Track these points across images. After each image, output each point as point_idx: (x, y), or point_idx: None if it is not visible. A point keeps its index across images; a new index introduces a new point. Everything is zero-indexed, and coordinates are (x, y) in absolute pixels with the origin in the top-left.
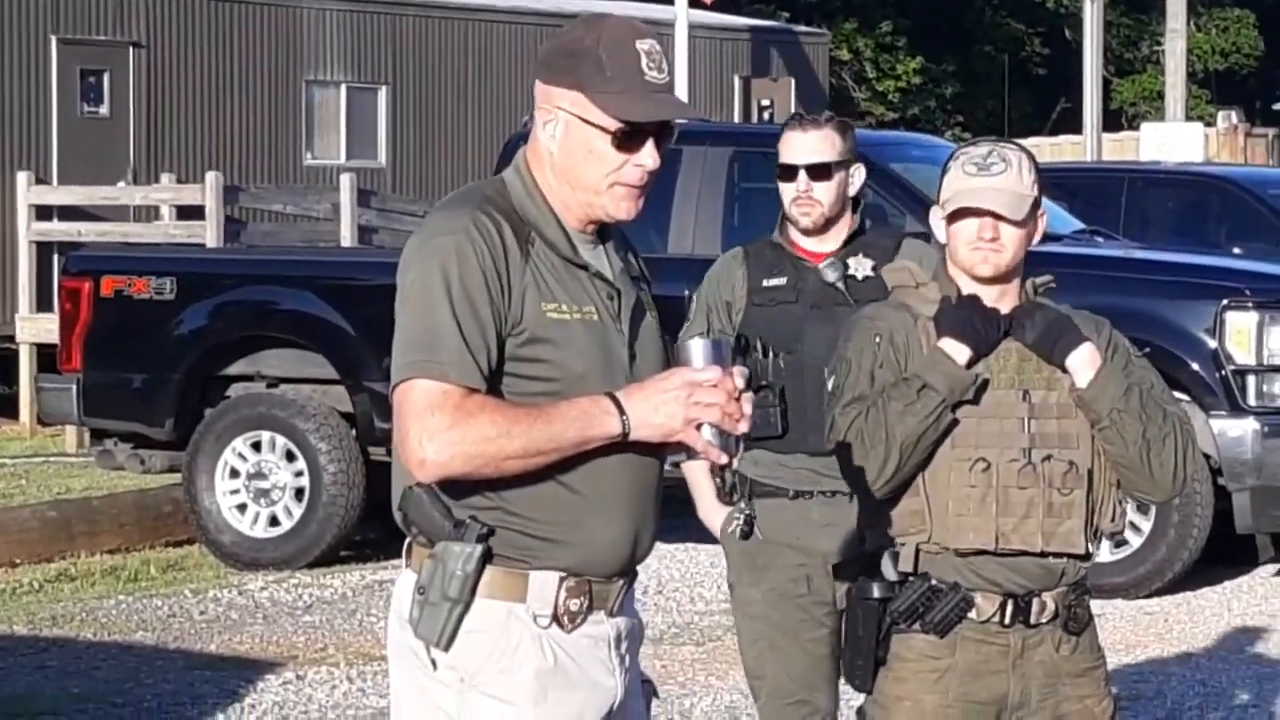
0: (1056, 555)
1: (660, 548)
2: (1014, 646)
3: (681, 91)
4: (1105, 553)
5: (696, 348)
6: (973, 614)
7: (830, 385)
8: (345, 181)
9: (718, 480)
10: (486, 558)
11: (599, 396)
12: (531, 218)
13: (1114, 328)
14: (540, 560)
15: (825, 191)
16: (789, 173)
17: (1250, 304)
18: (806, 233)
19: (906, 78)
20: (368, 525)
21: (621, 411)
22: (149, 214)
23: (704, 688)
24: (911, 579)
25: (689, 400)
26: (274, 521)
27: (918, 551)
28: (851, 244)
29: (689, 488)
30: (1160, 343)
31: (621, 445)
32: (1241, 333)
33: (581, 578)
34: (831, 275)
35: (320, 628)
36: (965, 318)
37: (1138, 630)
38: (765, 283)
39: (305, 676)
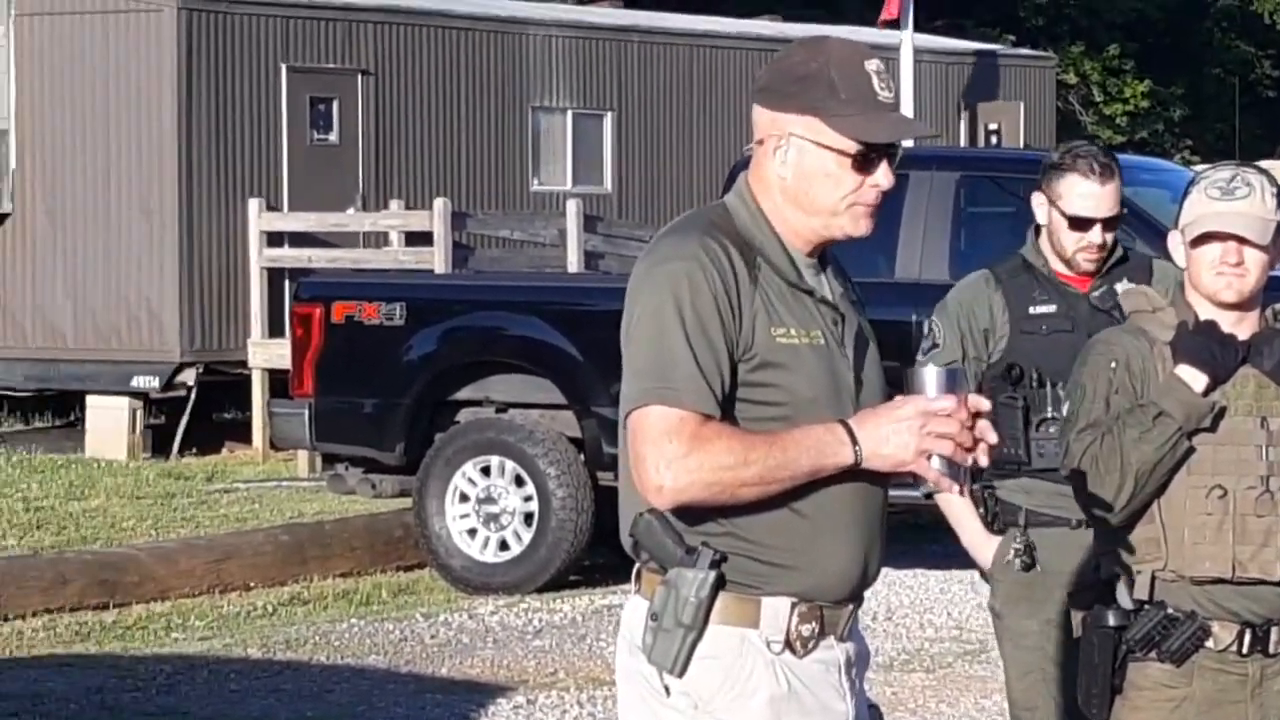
0: None
1: (889, 574)
2: (1252, 676)
3: (907, 114)
4: None
5: (930, 376)
6: (1210, 643)
7: (1065, 410)
8: (571, 207)
9: (981, 510)
10: (719, 584)
11: (833, 425)
12: (757, 243)
13: None
14: (772, 586)
15: (1110, 237)
16: (1083, 225)
17: None
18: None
19: (1134, 101)
20: (596, 550)
21: (854, 440)
22: (378, 240)
23: (935, 715)
24: (1147, 607)
25: (922, 431)
26: (503, 546)
27: (1153, 579)
28: (1115, 269)
29: (947, 517)
30: None
31: (848, 470)
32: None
33: (813, 603)
34: (1107, 302)
35: (550, 652)
36: (1203, 344)
37: None
38: (1032, 310)
39: (535, 701)
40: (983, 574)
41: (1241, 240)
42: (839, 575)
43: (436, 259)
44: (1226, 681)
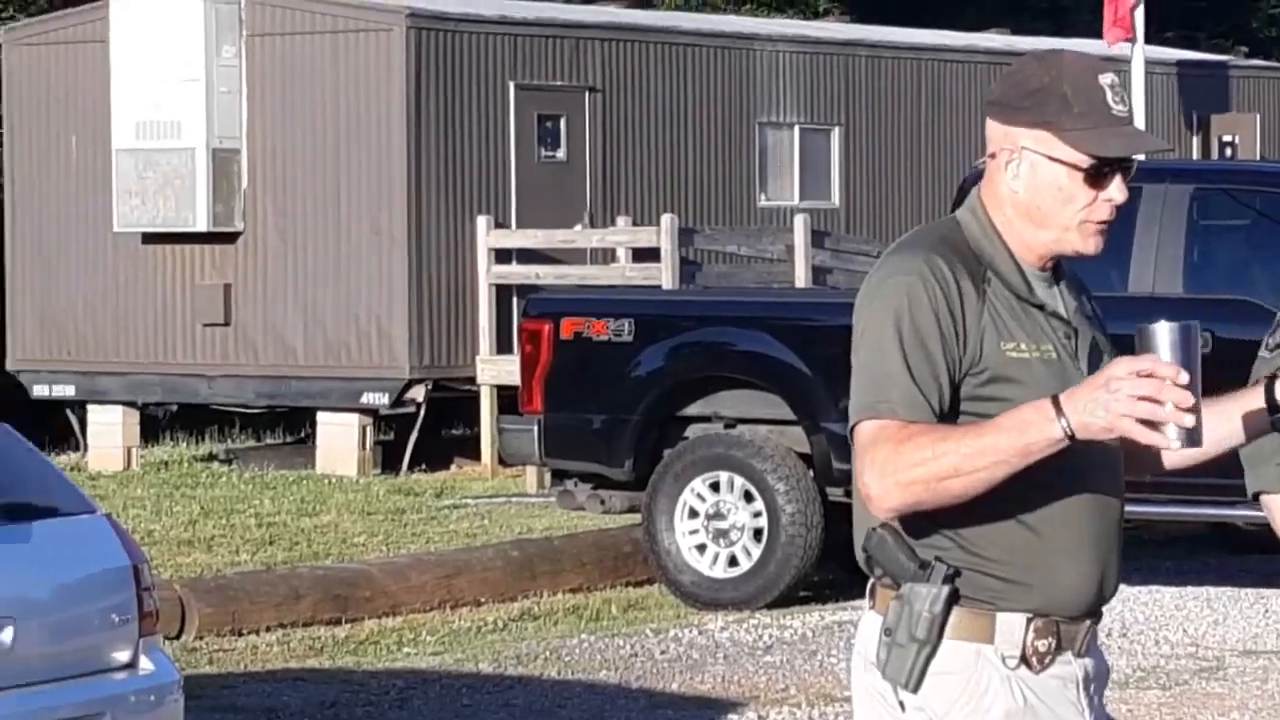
0: None
1: (1124, 590)
2: None
3: (1140, 128)
4: None
5: (1157, 333)
6: None
7: None
8: (799, 222)
9: None
10: (953, 599)
11: (1041, 401)
12: (987, 257)
13: None
14: (1006, 602)
15: None
16: None
17: None
18: None
19: None
20: (826, 566)
21: (1060, 413)
22: (605, 256)
23: None
24: None
25: (1118, 393)
26: (733, 562)
27: None
28: None
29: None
30: None
31: (1082, 483)
32: None
33: (1049, 618)
34: None
35: (781, 668)
36: None
37: None
38: None
39: (767, 717)
40: None
41: None
42: (1074, 591)
43: (664, 274)
44: None
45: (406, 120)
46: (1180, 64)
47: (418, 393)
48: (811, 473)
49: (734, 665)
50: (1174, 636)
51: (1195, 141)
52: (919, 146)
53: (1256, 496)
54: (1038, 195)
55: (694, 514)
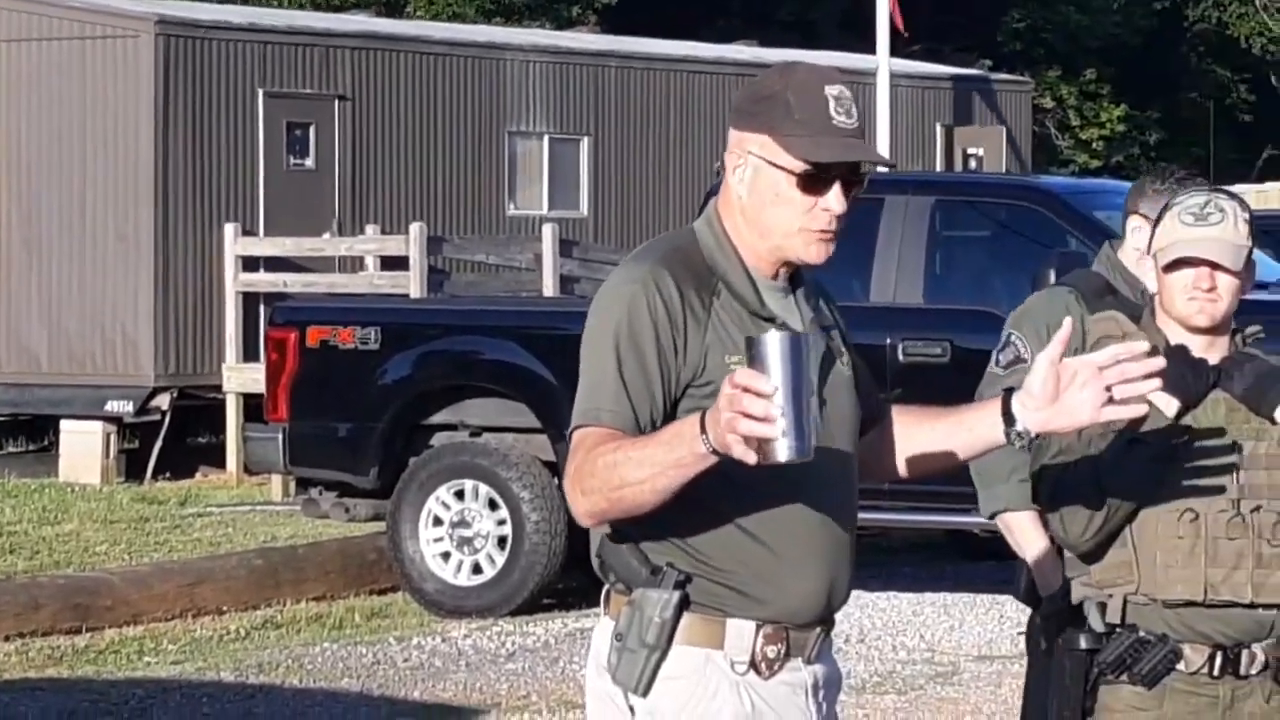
0: (1267, 606)
1: (861, 596)
2: (1223, 698)
3: (884, 139)
4: None
5: (767, 346)
6: (1181, 665)
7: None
8: (547, 232)
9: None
10: (684, 605)
11: (695, 416)
12: (720, 269)
13: None
14: (737, 609)
15: None
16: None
17: None
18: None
19: (1110, 125)
20: (570, 573)
21: (704, 429)
22: (354, 265)
23: None
24: (1119, 630)
25: (722, 408)
26: (477, 569)
27: (1125, 603)
28: None
29: (1010, 536)
30: None
31: (808, 494)
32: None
33: (779, 625)
34: None
35: (523, 675)
36: (1174, 369)
37: None
38: None
39: None
40: (1027, 599)
41: (1214, 266)
42: (803, 601)
43: (412, 283)
44: (1198, 704)
45: (154, 127)
46: (926, 77)
47: (163, 401)
48: (556, 480)
49: (476, 673)
50: (910, 642)
51: (939, 153)
52: (667, 157)
53: (993, 517)
54: (758, 199)
55: (439, 522)
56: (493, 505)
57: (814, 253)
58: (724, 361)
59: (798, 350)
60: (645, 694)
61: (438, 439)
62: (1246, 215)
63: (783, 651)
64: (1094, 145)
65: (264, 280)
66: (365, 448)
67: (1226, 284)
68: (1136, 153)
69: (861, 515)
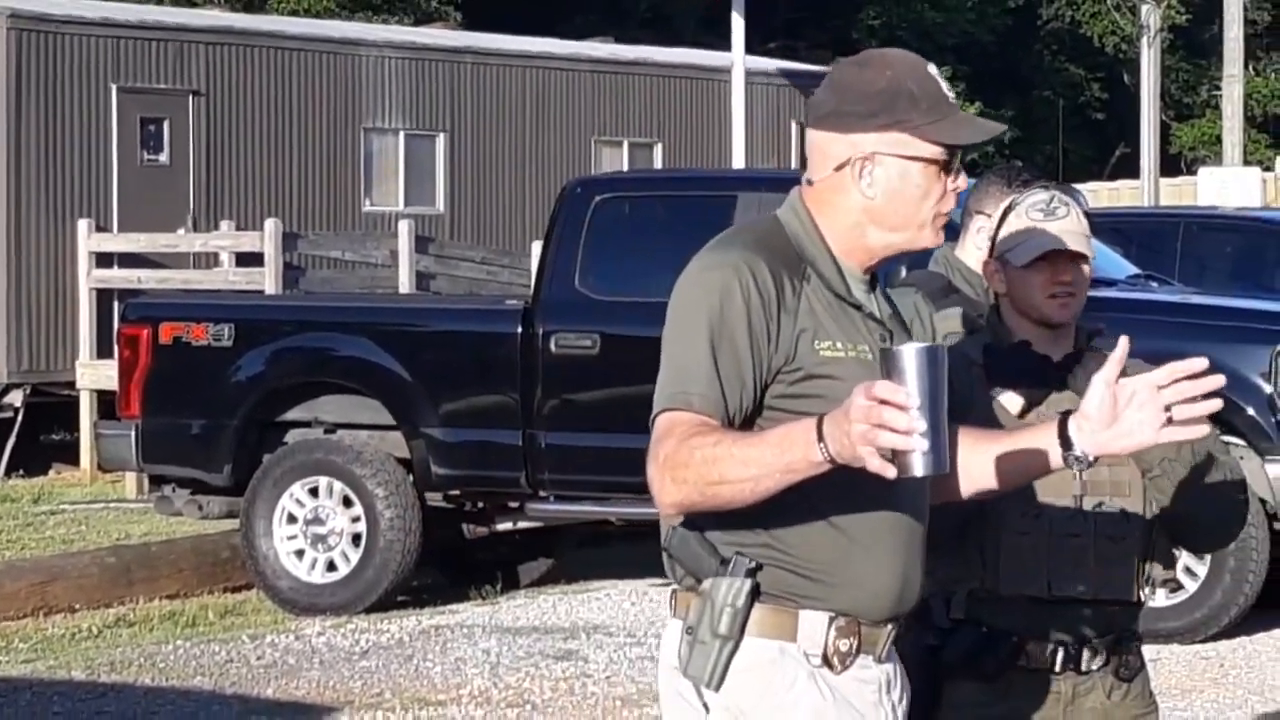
0: (1108, 602)
1: None
2: (1065, 694)
3: (739, 137)
4: (1161, 598)
5: (903, 357)
6: (1023, 661)
7: None
8: (403, 228)
9: None
10: (755, 593)
11: (809, 420)
12: (809, 255)
13: None
14: (809, 600)
15: None
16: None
17: None
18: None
19: None
20: (424, 570)
21: (821, 436)
22: (208, 261)
23: None
24: (963, 626)
25: (853, 419)
26: (331, 567)
27: (969, 598)
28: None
29: None
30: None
31: (891, 491)
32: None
33: (851, 618)
34: None
35: (376, 673)
36: (1018, 366)
37: (1194, 675)
38: None
39: None
40: None
41: (1073, 257)
42: (877, 595)
43: (267, 280)
44: (1040, 699)
45: (6, 122)
46: (783, 74)
47: (15, 398)
48: (411, 478)
49: (330, 670)
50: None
51: (795, 151)
52: (524, 153)
53: None
54: (896, 198)
55: (293, 519)
56: (347, 502)
57: (941, 237)
58: (814, 348)
59: (935, 362)
60: (719, 688)
61: (292, 436)
62: (1084, 209)
63: (855, 646)
64: None
65: (118, 276)
66: (219, 445)
67: (1082, 276)
68: (991, 150)
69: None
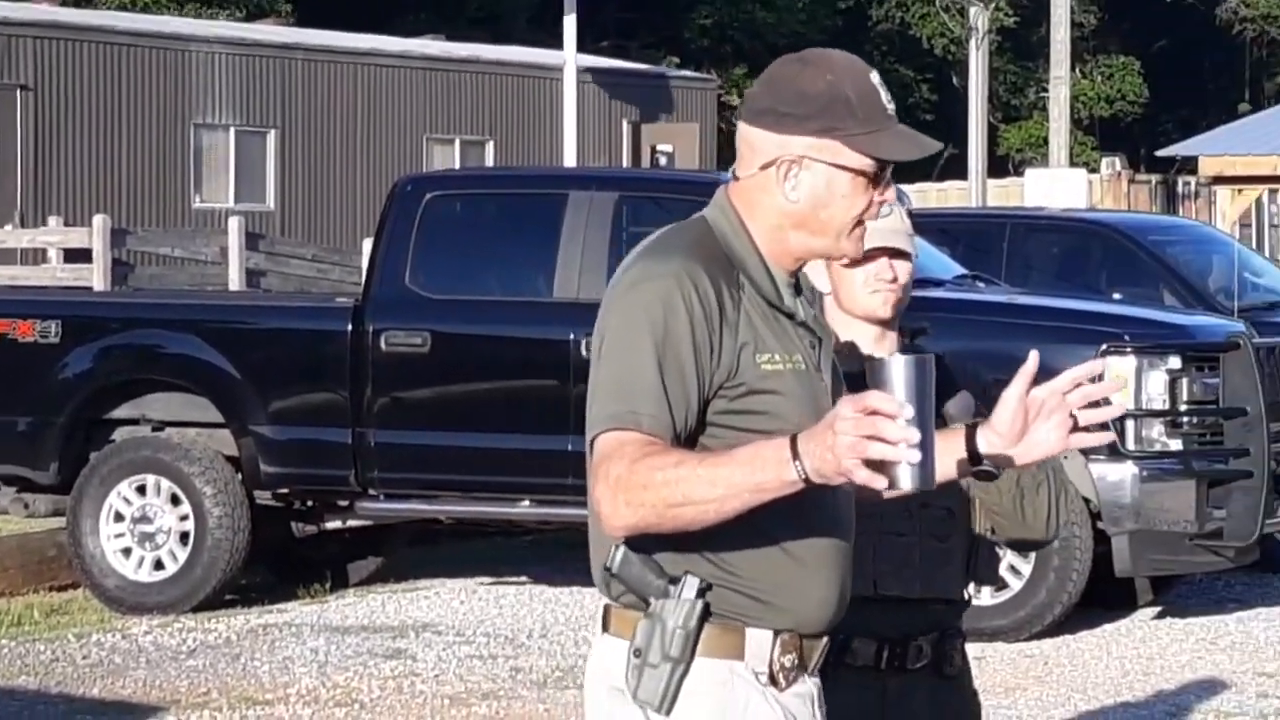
0: (933, 601)
1: (546, 591)
2: (889, 691)
3: (570, 135)
4: (986, 596)
5: (893, 368)
6: (849, 658)
7: None
8: (233, 225)
9: None
10: (706, 614)
11: (781, 439)
12: (738, 259)
13: (995, 372)
14: (756, 618)
15: None
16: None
17: (1129, 349)
18: None
19: None
20: (252, 569)
21: (796, 455)
22: (36, 257)
23: None
24: None
25: (844, 432)
26: (159, 565)
27: None
28: None
29: None
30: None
31: (828, 502)
32: (1120, 378)
33: (793, 634)
34: None
35: (204, 672)
36: (844, 366)
37: (1018, 673)
38: None
39: None
40: None
41: (895, 254)
42: (818, 608)
43: (95, 276)
44: (863, 695)
45: None
46: (613, 73)
47: None
48: (240, 476)
49: (156, 669)
50: (593, 637)
51: (626, 150)
52: (355, 150)
53: None
54: (819, 204)
55: (120, 517)
56: (175, 501)
57: (860, 248)
58: (755, 362)
59: (923, 374)
60: (669, 711)
61: (119, 434)
62: (908, 208)
63: (796, 662)
64: None
65: None
66: (45, 442)
67: (905, 271)
68: None
69: (546, 511)
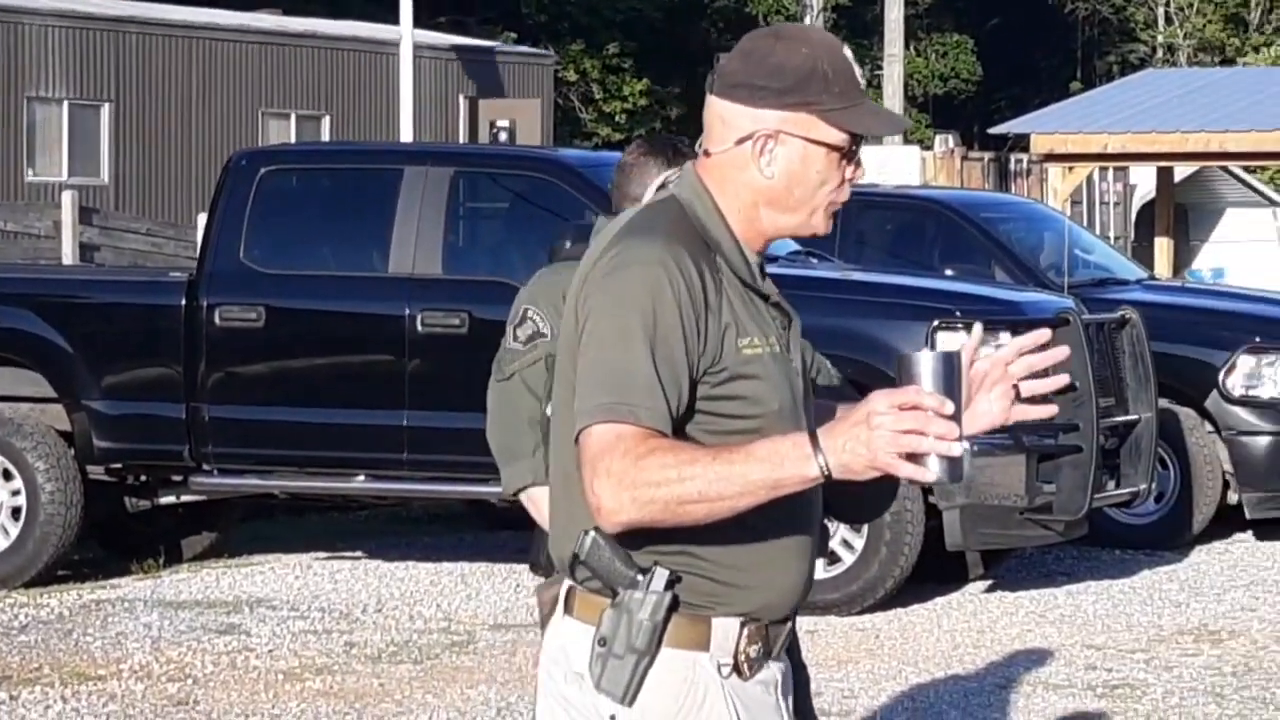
0: None
1: (380, 566)
2: None
3: (407, 111)
4: (819, 570)
5: (922, 361)
6: None
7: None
8: (67, 199)
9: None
10: (674, 607)
11: (799, 435)
12: (714, 240)
13: (827, 348)
14: (723, 606)
15: None
16: None
17: (960, 325)
18: None
19: (633, 99)
20: (85, 544)
21: (818, 450)
22: None
23: (421, 705)
24: None
25: (875, 427)
26: None
27: None
28: None
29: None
30: (872, 363)
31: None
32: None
33: (759, 622)
34: None
35: (35, 647)
36: None
37: (849, 646)
38: None
39: (19, 697)
40: (544, 569)
41: None
42: (787, 593)
43: None
44: None
45: None
46: (450, 49)
47: None
48: (73, 451)
49: None
50: (428, 611)
51: (464, 125)
52: (190, 124)
53: (517, 494)
54: (794, 181)
55: None
56: (7, 476)
57: (828, 225)
58: (737, 346)
59: (950, 368)
60: (632, 703)
61: None
62: None
63: (762, 651)
64: (617, 119)
65: None
66: None
67: None
68: (659, 126)
69: (382, 486)
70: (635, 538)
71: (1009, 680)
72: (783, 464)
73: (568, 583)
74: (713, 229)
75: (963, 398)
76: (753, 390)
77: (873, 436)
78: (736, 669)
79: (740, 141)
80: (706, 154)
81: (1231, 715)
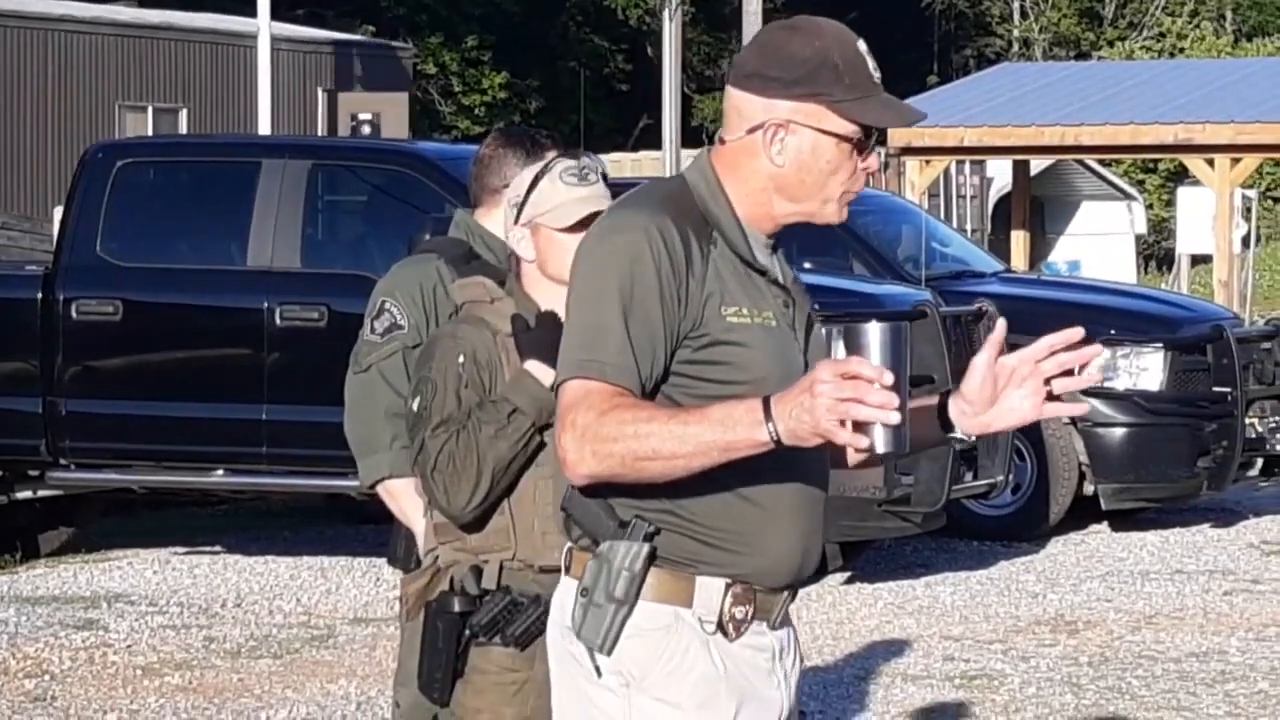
0: None
1: (240, 560)
2: None
3: (265, 104)
4: None
5: (869, 332)
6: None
7: (415, 406)
8: None
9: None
10: (652, 557)
11: (753, 400)
12: (714, 218)
13: None
14: (707, 566)
15: None
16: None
17: (818, 318)
18: None
19: (492, 92)
20: None
21: (769, 417)
22: None
23: (281, 700)
24: (493, 593)
25: (818, 395)
26: None
27: (501, 568)
28: None
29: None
30: None
31: (795, 455)
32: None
33: (748, 586)
34: None
35: None
36: (549, 337)
37: None
38: None
39: None
40: (403, 564)
41: None
42: (778, 562)
43: None
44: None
45: None
46: (308, 41)
47: None
48: None
49: None
50: (287, 605)
51: (322, 118)
52: (46, 117)
53: (374, 486)
54: (803, 170)
55: None
56: None
57: (843, 213)
58: (720, 313)
59: (899, 339)
60: (610, 651)
61: None
62: (603, 173)
63: (750, 614)
64: (476, 111)
65: None
66: None
67: None
68: (518, 119)
69: (240, 480)
70: (623, 494)
71: (867, 672)
72: (735, 427)
73: (567, 544)
74: (714, 207)
75: (907, 369)
76: (735, 356)
77: (815, 403)
78: (721, 629)
79: (752, 130)
80: (722, 141)
81: (1088, 705)
